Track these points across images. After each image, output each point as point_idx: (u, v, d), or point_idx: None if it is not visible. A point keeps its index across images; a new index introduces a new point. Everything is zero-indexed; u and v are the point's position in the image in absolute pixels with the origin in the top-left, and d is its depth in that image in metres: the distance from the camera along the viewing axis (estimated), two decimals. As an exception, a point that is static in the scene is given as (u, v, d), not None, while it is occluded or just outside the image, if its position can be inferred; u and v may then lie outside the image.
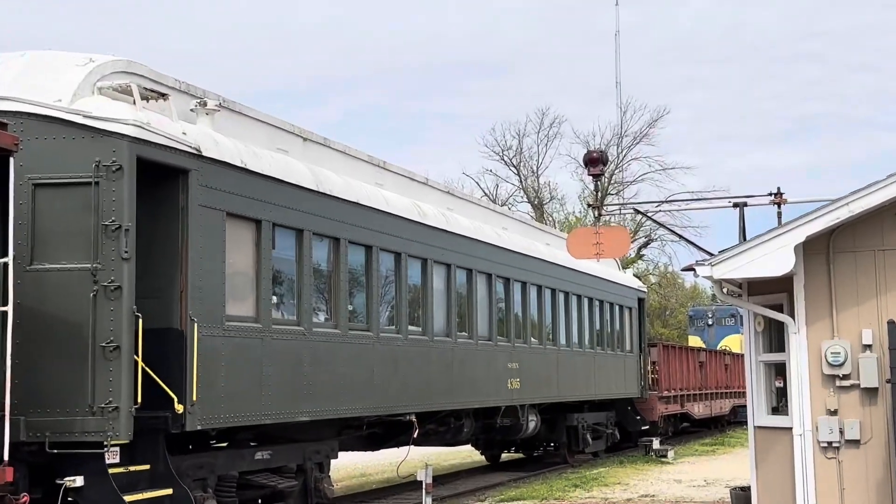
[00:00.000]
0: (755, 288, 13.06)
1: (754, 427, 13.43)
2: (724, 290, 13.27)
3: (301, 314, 14.31)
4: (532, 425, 23.50)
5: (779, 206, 15.67)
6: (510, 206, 58.25)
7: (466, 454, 30.05)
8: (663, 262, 66.98)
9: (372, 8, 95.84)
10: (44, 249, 11.13)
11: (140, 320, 11.10)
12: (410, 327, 17.48)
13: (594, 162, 15.85)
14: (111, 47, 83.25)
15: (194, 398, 11.77)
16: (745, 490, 14.45)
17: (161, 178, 11.90)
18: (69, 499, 10.84)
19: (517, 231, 24.00)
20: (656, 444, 29.68)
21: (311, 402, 14.27)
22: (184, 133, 12.17)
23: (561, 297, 25.06)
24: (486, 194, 59.50)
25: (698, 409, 38.48)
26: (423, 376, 17.69)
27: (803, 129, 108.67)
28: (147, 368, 11.20)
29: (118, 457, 11.12)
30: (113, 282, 11.00)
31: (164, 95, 12.14)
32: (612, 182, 57.90)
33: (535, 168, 62.32)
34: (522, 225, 25.64)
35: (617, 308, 29.67)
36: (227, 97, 13.90)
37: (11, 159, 10.13)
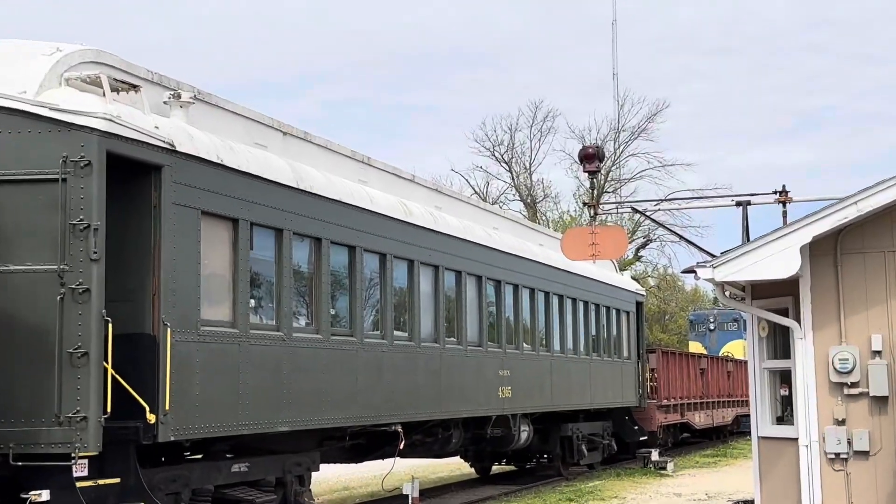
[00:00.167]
0: (759, 291, 12.91)
1: (758, 438, 13.27)
2: (727, 294, 13.12)
3: (280, 318, 14.18)
4: (524, 436, 23.20)
5: (784, 205, 15.60)
6: (501, 204, 58.02)
7: (455, 466, 29.82)
8: (663, 263, 66.32)
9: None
10: (7, 250, 10.96)
11: (110, 325, 10.96)
12: (396, 332, 17.32)
13: (590, 158, 15.63)
14: (82, 36, 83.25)
15: (167, 407, 11.68)
16: (749, 504, 14.33)
17: (132, 174, 11.75)
18: (34, 513, 10.74)
19: (509, 231, 23.83)
20: (655, 455, 29.49)
21: (291, 411, 14.18)
22: (156, 127, 12.09)
23: (555, 300, 24.85)
24: (476, 192, 59.33)
25: (699, 419, 38.05)
26: (409, 384, 17.54)
27: (808, 123, 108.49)
28: (117, 376, 11.05)
29: (86, 469, 10.99)
30: (81, 284, 10.86)
31: (135, 87, 12.04)
32: (609, 179, 57.60)
33: (527, 164, 61.93)
34: (514, 224, 25.46)
35: (614, 312, 29.47)
36: (203, 89, 13.81)
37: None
